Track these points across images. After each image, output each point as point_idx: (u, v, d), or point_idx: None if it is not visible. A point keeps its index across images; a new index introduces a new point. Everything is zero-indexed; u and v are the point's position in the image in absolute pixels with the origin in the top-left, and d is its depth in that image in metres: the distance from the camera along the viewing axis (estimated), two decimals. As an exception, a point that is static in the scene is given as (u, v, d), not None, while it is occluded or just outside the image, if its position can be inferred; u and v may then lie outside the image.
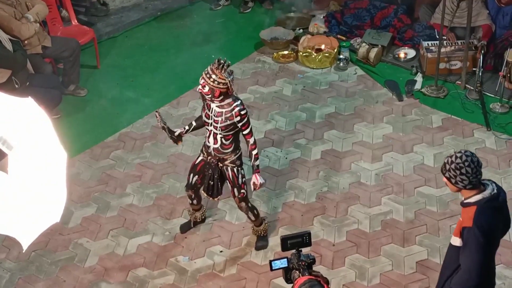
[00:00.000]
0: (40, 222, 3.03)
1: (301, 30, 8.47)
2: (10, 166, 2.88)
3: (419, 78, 7.51)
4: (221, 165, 5.12)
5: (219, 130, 4.92)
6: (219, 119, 4.87)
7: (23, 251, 3.17)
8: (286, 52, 8.11)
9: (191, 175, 5.32)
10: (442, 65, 7.32)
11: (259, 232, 5.50)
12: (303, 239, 3.91)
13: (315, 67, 7.83)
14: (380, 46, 7.85)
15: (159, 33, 8.71)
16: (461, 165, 3.63)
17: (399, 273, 5.27)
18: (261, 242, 5.51)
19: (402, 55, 7.89)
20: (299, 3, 8.86)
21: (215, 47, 8.29)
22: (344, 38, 8.17)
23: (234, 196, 5.22)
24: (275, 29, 8.39)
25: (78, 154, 6.52)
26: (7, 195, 2.91)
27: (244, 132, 4.96)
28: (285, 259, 3.84)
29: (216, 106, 4.86)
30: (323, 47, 7.97)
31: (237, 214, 5.84)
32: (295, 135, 6.78)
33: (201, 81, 4.75)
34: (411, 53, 7.89)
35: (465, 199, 3.76)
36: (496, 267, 5.23)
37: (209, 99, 4.81)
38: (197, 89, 4.85)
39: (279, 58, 8.03)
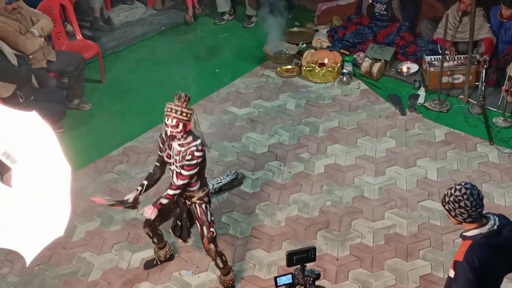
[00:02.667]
0: (44, 236, 3.04)
1: (305, 45, 8.50)
2: (14, 180, 2.90)
3: (422, 92, 7.52)
4: (189, 202, 4.99)
5: (179, 169, 4.77)
6: (178, 158, 4.75)
7: (27, 265, 3.18)
8: (289, 66, 8.14)
9: None
10: (445, 80, 7.34)
11: (227, 283, 5.22)
12: (308, 254, 3.92)
13: (318, 82, 7.85)
14: (383, 60, 7.87)
15: (163, 48, 8.75)
16: (460, 198, 3.53)
17: (402, 288, 5.27)
18: None
19: (405, 69, 7.91)
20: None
21: (219, 62, 8.34)
22: (347, 52, 8.20)
23: (202, 236, 4.98)
24: (279, 44, 8.42)
25: (82, 168, 6.53)
26: (11, 209, 2.92)
27: (183, 172, 4.73)
28: (290, 275, 3.84)
29: (178, 145, 4.73)
30: (326, 61, 8.00)
31: (240, 228, 5.84)
32: (298, 149, 6.79)
33: (173, 122, 4.59)
34: (414, 67, 7.91)
35: (464, 231, 3.67)
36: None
37: (180, 137, 4.65)
38: (168, 133, 4.64)
39: (282, 73, 8.05)
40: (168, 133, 4.67)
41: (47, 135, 3.07)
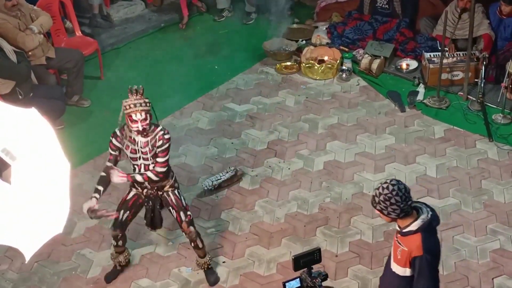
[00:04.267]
0: (43, 232, 3.04)
1: (304, 42, 8.50)
2: (13, 176, 2.90)
3: (421, 89, 7.53)
4: (161, 192, 4.98)
5: (150, 160, 4.78)
6: (147, 149, 4.74)
7: (26, 262, 3.18)
8: (289, 63, 8.14)
9: (121, 211, 5.02)
10: (444, 76, 7.34)
11: (205, 265, 5.25)
12: (314, 256, 3.94)
13: (317, 78, 7.85)
14: (382, 57, 7.87)
15: (163, 45, 8.75)
16: (390, 195, 3.62)
17: (401, 284, 5.27)
18: (212, 276, 5.31)
19: (404, 66, 7.91)
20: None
21: (218, 58, 8.34)
22: (346, 49, 8.20)
23: (180, 221, 4.99)
24: (278, 40, 8.42)
25: (81, 164, 6.53)
26: (10, 206, 2.92)
27: (159, 159, 4.76)
28: (298, 279, 3.85)
29: (142, 137, 4.73)
30: (325, 58, 8.00)
31: (240, 224, 5.85)
32: (297, 145, 6.79)
33: (142, 115, 4.60)
34: (413, 64, 7.91)
35: (403, 228, 3.72)
36: (499, 278, 5.29)
37: (146, 131, 4.67)
38: (140, 128, 4.63)
39: (282, 69, 8.05)
40: (140, 128, 4.65)
41: (46, 132, 3.07)
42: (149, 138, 4.74)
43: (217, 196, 6.16)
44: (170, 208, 5.02)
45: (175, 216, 5.04)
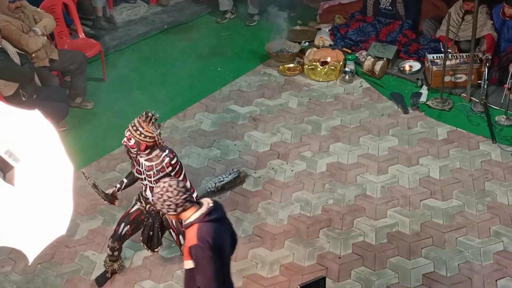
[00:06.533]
0: (46, 234, 3.05)
1: (307, 43, 8.50)
2: (17, 178, 2.90)
3: (424, 90, 7.52)
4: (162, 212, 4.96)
5: (154, 184, 4.72)
6: (151, 173, 4.70)
7: (29, 264, 3.19)
8: (292, 65, 8.13)
9: (122, 225, 5.02)
10: (447, 78, 7.33)
11: None
12: (319, 285, 3.98)
13: (320, 80, 7.85)
14: (385, 59, 7.87)
15: (166, 46, 8.75)
16: (161, 193, 3.77)
17: (405, 286, 5.26)
18: None
19: (407, 68, 7.91)
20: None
21: (221, 60, 8.34)
22: (349, 51, 8.20)
23: (180, 245, 5.01)
24: (281, 42, 8.43)
25: (84, 166, 6.53)
26: (14, 208, 2.93)
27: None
28: None
29: (145, 160, 4.69)
30: (328, 60, 8.00)
31: (242, 227, 5.84)
32: (300, 147, 6.79)
33: (127, 134, 4.57)
34: (416, 66, 7.90)
35: (185, 220, 3.83)
36: (502, 279, 5.27)
37: (135, 152, 4.64)
38: (122, 142, 4.65)
39: (285, 71, 8.05)
40: (122, 142, 4.64)
41: (49, 134, 3.07)
42: (153, 163, 4.68)
43: (220, 197, 6.16)
44: (171, 230, 5.02)
45: (175, 239, 5.05)
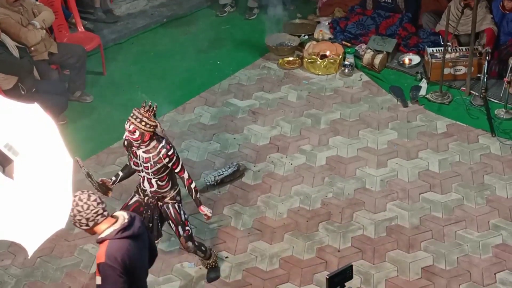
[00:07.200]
0: (46, 228, 3.05)
1: (306, 37, 8.49)
2: (16, 172, 2.90)
3: (423, 84, 7.52)
4: (161, 203, 4.97)
5: (152, 175, 4.77)
6: (148, 164, 4.72)
7: (29, 257, 3.19)
8: (291, 58, 8.12)
9: None
10: (446, 71, 7.32)
11: (210, 265, 5.30)
12: (347, 274, 3.96)
13: (320, 73, 7.84)
14: (385, 52, 7.86)
15: (165, 40, 8.74)
16: (70, 209, 3.54)
17: (404, 279, 5.27)
18: (213, 273, 5.34)
19: (406, 61, 7.90)
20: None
21: (221, 54, 8.33)
22: (349, 44, 8.19)
23: (179, 235, 5.02)
24: (281, 36, 8.42)
25: (84, 160, 6.50)
26: (13, 201, 2.93)
27: (176, 170, 4.81)
28: None
29: (143, 152, 4.70)
30: (328, 53, 7.99)
31: (242, 220, 5.85)
32: (300, 141, 6.79)
33: (130, 127, 4.56)
34: (416, 59, 7.89)
35: (99, 235, 3.75)
36: (501, 273, 5.28)
37: (137, 145, 4.65)
38: (124, 137, 4.66)
39: (284, 65, 8.04)
40: (123, 137, 4.65)
41: (49, 127, 3.07)
42: (151, 155, 4.69)
43: (219, 191, 6.16)
44: (170, 221, 5.02)
45: (174, 230, 5.04)
